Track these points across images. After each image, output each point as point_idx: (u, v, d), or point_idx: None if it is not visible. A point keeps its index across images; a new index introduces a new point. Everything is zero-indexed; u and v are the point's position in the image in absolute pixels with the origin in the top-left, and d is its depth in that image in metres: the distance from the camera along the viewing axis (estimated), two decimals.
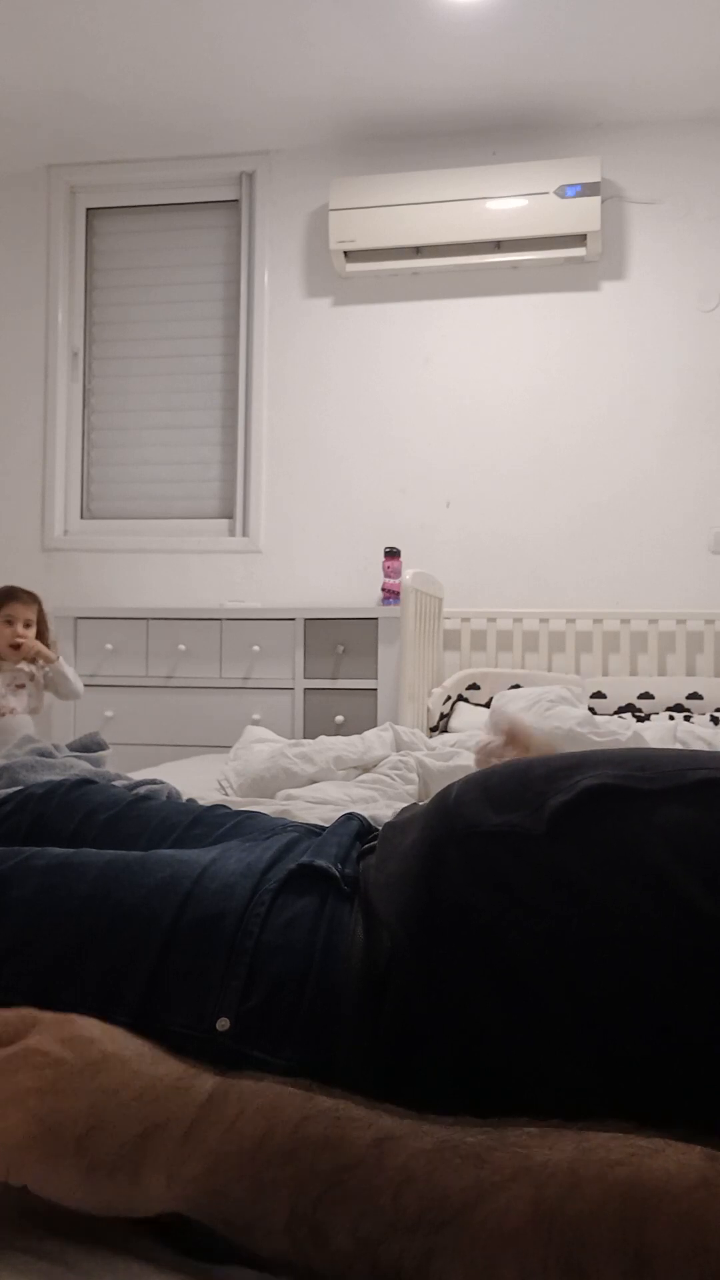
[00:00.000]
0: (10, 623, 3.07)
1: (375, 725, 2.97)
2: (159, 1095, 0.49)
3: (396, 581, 3.40)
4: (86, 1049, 0.52)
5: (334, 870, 0.70)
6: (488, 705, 3.18)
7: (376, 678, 3.43)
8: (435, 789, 2.03)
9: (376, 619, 3.46)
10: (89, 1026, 0.54)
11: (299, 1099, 0.48)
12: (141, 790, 1.29)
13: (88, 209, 4.20)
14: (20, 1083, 0.50)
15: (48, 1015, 0.54)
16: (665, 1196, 0.40)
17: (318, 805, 1.80)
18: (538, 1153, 0.43)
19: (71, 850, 0.75)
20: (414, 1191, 0.43)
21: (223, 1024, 0.60)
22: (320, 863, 0.70)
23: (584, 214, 3.56)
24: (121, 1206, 0.48)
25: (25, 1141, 0.48)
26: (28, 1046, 0.52)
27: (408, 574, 3.15)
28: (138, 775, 1.71)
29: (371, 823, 0.86)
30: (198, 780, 2.26)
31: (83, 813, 0.95)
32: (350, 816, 0.83)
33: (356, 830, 0.80)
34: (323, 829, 0.84)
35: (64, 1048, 0.52)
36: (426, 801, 0.74)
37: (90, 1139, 0.48)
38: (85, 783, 1.02)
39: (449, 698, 3.37)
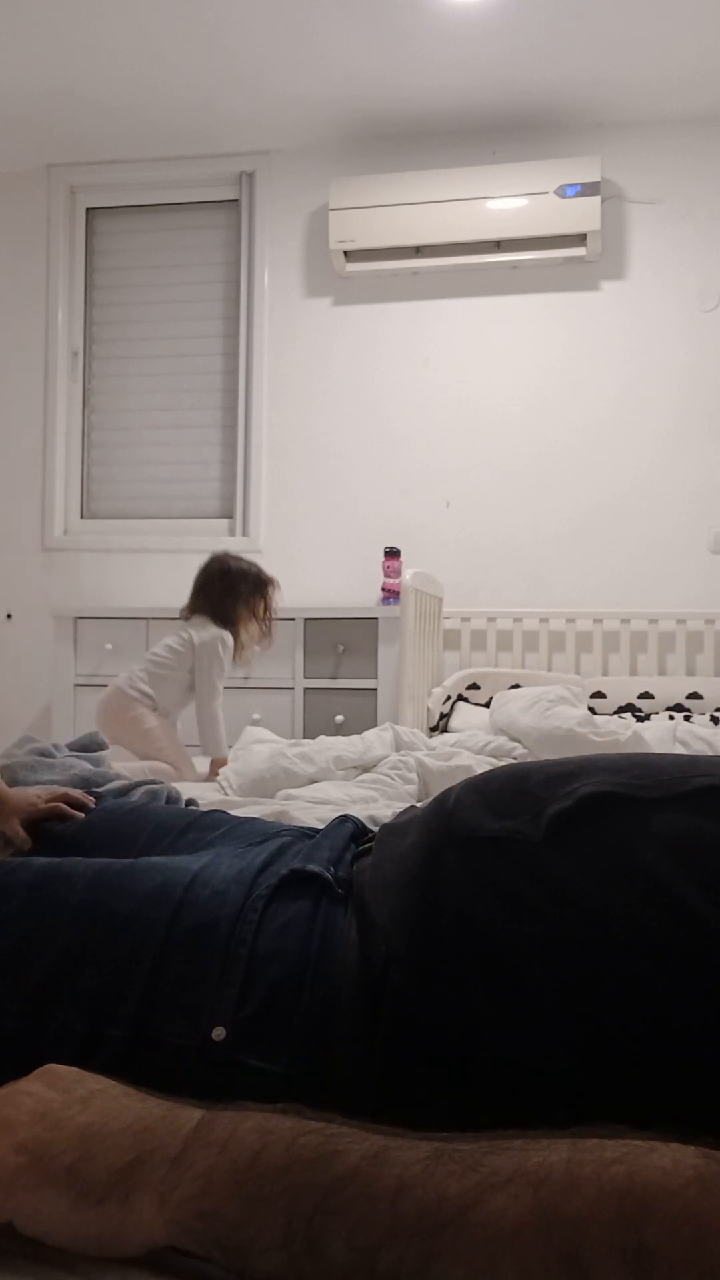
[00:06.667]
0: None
1: (375, 725, 2.96)
2: (148, 1125, 0.49)
3: (396, 581, 3.40)
4: (74, 1087, 0.52)
5: (326, 874, 0.70)
6: (488, 705, 3.18)
7: (376, 678, 3.43)
8: (435, 789, 2.04)
9: (376, 619, 3.46)
10: (71, 1071, 0.54)
11: (290, 1120, 0.48)
12: (141, 790, 1.29)
13: (88, 209, 4.20)
14: (8, 1116, 0.50)
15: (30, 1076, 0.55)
16: (662, 1193, 0.40)
17: (318, 805, 1.80)
18: (533, 1154, 0.43)
19: (58, 859, 0.75)
20: (411, 1197, 0.43)
21: (219, 1033, 0.60)
22: (312, 867, 0.70)
23: (584, 214, 3.55)
24: (110, 1241, 0.47)
25: (14, 1171, 0.48)
26: (15, 1088, 0.52)
27: (408, 574, 3.15)
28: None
29: (367, 824, 0.86)
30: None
31: (79, 823, 0.95)
32: (344, 819, 0.83)
33: (350, 833, 0.80)
34: (317, 832, 0.83)
35: (51, 1088, 0.52)
36: (425, 804, 0.74)
37: (80, 1167, 0.48)
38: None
39: (449, 698, 3.37)
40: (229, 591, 2.80)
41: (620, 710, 3.31)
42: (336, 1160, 0.45)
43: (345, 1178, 0.44)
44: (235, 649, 2.80)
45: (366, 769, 2.18)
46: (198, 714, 2.74)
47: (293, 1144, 0.46)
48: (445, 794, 0.70)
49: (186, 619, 2.85)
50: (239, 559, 2.91)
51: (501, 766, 0.73)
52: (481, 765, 2.13)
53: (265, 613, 2.85)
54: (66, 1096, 0.52)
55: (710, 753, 2.61)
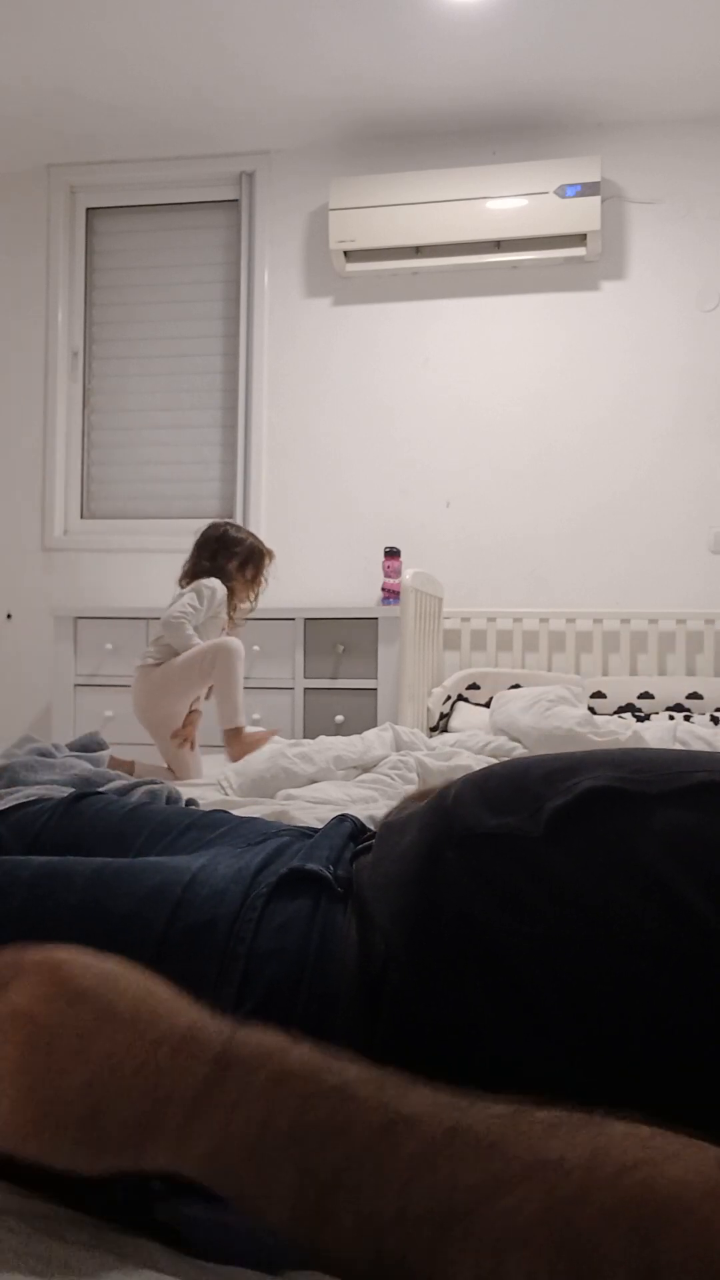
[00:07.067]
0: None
1: (375, 725, 2.96)
2: (160, 1066, 0.48)
3: (396, 581, 3.40)
4: (78, 1009, 0.50)
5: (326, 873, 0.69)
6: (488, 705, 3.18)
7: (376, 678, 3.43)
8: None
9: (376, 619, 3.46)
10: (80, 972, 0.51)
11: (306, 1071, 0.47)
12: (140, 790, 1.29)
13: (88, 209, 4.20)
14: (9, 1056, 0.49)
15: (30, 957, 0.52)
16: (679, 1207, 0.39)
17: (318, 805, 1.80)
18: (555, 1143, 0.42)
19: (56, 859, 0.75)
20: (422, 1185, 0.42)
21: None
22: (312, 866, 0.70)
23: (584, 214, 3.56)
24: (124, 1170, 0.48)
25: (25, 1128, 0.48)
26: (13, 1010, 0.50)
27: (408, 574, 3.15)
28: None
29: (366, 823, 0.86)
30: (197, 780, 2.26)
31: (78, 825, 0.94)
32: (343, 818, 0.83)
33: (350, 832, 0.79)
34: (316, 832, 0.83)
35: (51, 1008, 0.50)
36: (424, 800, 0.74)
37: (91, 1121, 0.47)
38: (80, 797, 1.00)
39: (449, 698, 3.37)
40: (222, 554, 2.92)
41: (620, 710, 3.31)
42: (350, 1132, 0.44)
43: (357, 1155, 0.44)
44: (228, 606, 2.92)
45: (366, 769, 2.18)
46: (162, 627, 2.85)
47: (303, 1112, 0.45)
48: (445, 790, 0.69)
49: (185, 587, 2.95)
50: (238, 527, 3.03)
51: (501, 762, 0.73)
52: (481, 765, 2.13)
53: (255, 578, 2.96)
54: (72, 1025, 0.49)
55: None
